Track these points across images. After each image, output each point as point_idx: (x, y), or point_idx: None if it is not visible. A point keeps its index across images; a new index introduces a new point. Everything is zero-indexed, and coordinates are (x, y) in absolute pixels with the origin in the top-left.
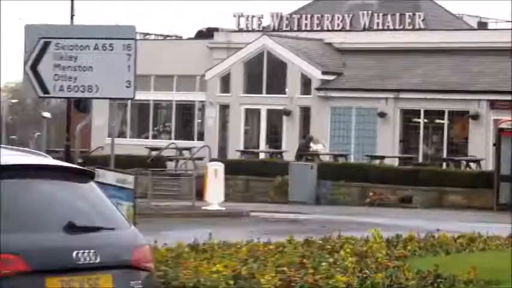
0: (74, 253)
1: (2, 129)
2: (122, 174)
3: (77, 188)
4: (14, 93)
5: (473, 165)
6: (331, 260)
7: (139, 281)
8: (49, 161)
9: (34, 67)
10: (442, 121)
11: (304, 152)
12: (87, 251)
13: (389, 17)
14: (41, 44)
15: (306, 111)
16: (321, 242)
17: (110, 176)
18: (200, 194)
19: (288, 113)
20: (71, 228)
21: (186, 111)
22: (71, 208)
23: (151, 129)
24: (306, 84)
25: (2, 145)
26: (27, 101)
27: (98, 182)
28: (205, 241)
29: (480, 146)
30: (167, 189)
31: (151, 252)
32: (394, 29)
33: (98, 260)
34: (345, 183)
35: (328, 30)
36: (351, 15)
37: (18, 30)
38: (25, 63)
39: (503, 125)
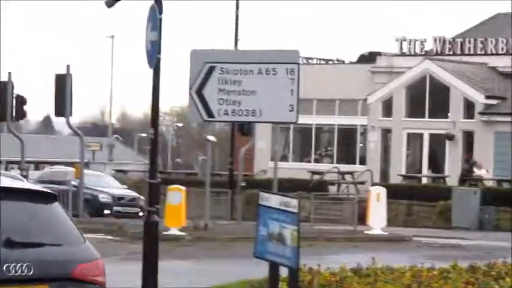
0: (5, 266)
1: (167, 152)
2: (285, 198)
3: (36, 208)
4: (179, 117)
5: None
6: (496, 286)
7: None
8: (19, 184)
9: (199, 91)
10: None
11: (467, 177)
12: (19, 264)
13: None
14: (206, 68)
15: (468, 136)
16: (485, 268)
17: (273, 200)
18: (362, 218)
19: (450, 137)
20: (9, 244)
21: (347, 135)
22: (17, 226)
23: (314, 153)
24: (468, 108)
25: None
26: (192, 125)
27: (262, 205)
28: (368, 265)
29: None
30: (329, 213)
31: (102, 267)
32: None
33: (31, 273)
34: (509, 209)
35: (492, 54)
36: None
37: (184, 56)
38: (190, 87)
39: None
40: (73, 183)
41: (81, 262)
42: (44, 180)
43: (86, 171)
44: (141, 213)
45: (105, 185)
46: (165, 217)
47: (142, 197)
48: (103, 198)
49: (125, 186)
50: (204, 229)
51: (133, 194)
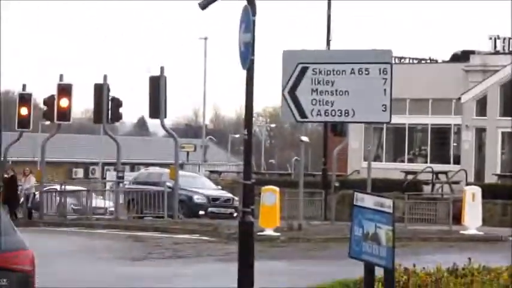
0: None
1: (261, 153)
2: (380, 198)
3: None
4: (272, 118)
5: None
6: None
7: (5, 279)
8: None
9: (292, 92)
10: None
11: None
12: None
13: None
14: (299, 69)
15: None
16: None
17: (368, 200)
18: (457, 218)
19: None
20: None
21: (441, 134)
22: None
23: (407, 153)
24: None
25: None
26: (285, 125)
27: (356, 206)
28: (465, 265)
29: None
30: (423, 213)
31: (31, 257)
32: None
33: None
34: None
35: None
36: None
37: (277, 56)
38: (283, 88)
39: None
40: (168, 184)
41: (5, 251)
42: (140, 181)
43: (180, 172)
44: (235, 214)
45: (200, 186)
46: (259, 218)
47: (236, 198)
48: (198, 199)
49: (219, 187)
50: (298, 229)
51: (227, 194)
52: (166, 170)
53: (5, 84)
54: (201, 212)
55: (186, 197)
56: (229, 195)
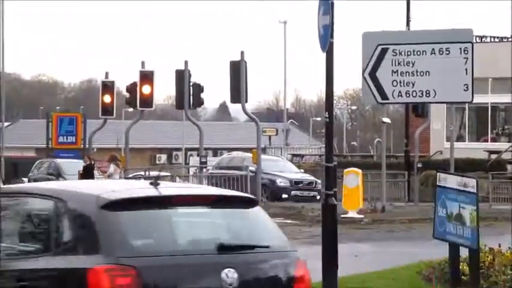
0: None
1: (342, 135)
2: (463, 178)
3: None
4: (353, 100)
5: None
6: None
7: None
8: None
9: (373, 74)
10: None
11: None
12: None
13: None
14: (378, 50)
15: None
16: None
17: (451, 180)
18: None
19: None
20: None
21: None
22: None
23: (490, 132)
24: None
25: None
26: (366, 108)
27: (440, 186)
28: None
29: None
30: (508, 192)
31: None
32: None
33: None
34: None
35: None
36: None
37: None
38: (363, 70)
39: None
40: (251, 168)
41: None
42: (222, 166)
43: (263, 156)
44: (318, 197)
45: (283, 169)
46: (342, 200)
47: (319, 181)
48: (281, 182)
49: (302, 170)
50: (381, 211)
51: (310, 178)
52: (249, 155)
53: (88, 73)
54: (284, 196)
55: (269, 181)
56: (312, 178)
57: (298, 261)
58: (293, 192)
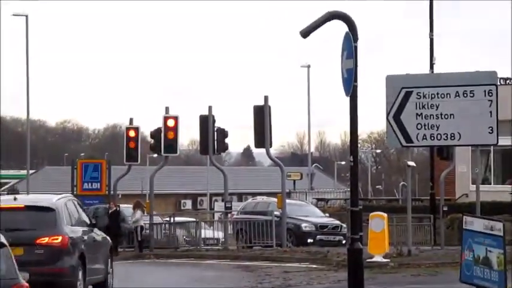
0: None
1: (367, 179)
2: (490, 221)
3: None
4: (377, 143)
5: None
6: None
7: None
8: None
9: (397, 117)
10: None
11: None
12: None
13: None
14: (402, 94)
15: None
16: None
17: (478, 223)
18: None
19: None
20: None
21: None
22: None
23: None
24: None
25: None
26: (390, 151)
27: (466, 230)
28: None
29: None
30: None
31: None
32: None
33: None
34: None
35: None
36: None
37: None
38: (388, 113)
39: None
40: (276, 213)
41: None
42: (247, 211)
43: (288, 200)
44: (344, 241)
45: (308, 213)
46: (368, 244)
47: (344, 225)
48: (306, 227)
49: (327, 215)
50: (407, 255)
51: (335, 222)
52: (274, 199)
53: (113, 119)
54: (310, 240)
55: (294, 225)
56: (337, 222)
57: None
58: (318, 237)
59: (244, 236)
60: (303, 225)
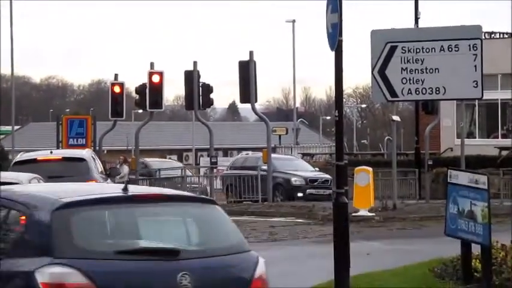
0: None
1: (353, 134)
2: (474, 175)
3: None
4: (363, 98)
5: None
6: None
7: None
8: None
9: (382, 72)
10: None
11: None
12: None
13: None
14: (387, 48)
15: None
16: None
17: (462, 177)
18: None
19: None
20: None
21: None
22: None
23: (500, 128)
24: None
25: None
26: (376, 105)
27: (451, 183)
28: None
29: None
30: None
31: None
32: None
33: None
34: None
35: None
36: None
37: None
38: (373, 68)
39: None
40: (263, 167)
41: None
42: (237, 166)
43: (277, 155)
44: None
45: (297, 168)
46: (353, 198)
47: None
48: (295, 181)
49: (317, 169)
50: (392, 209)
51: (325, 176)
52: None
53: (97, 74)
54: (299, 194)
55: (283, 180)
56: (328, 176)
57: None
58: (308, 191)
59: (233, 191)
60: (293, 179)
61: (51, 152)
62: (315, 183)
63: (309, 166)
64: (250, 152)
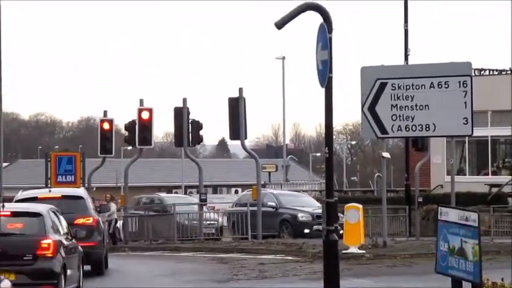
0: None
1: (342, 170)
2: (465, 212)
3: None
4: (352, 135)
5: None
6: None
7: None
8: None
9: (372, 108)
10: None
11: None
12: None
13: None
14: (377, 85)
15: None
16: None
17: (452, 214)
18: None
19: None
20: None
21: None
22: None
23: (491, 166)
24: None
25: None
26: (365, 142)
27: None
28: None
29: None
30: (509, 225)
31: None
32: None
33: None
34: None
35: None
36: None
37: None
38: (363, 104)
39: None
40: (270, 203)
41: None
42: (241, 203)
43: (284, 191)
44: (341, 231)
45: (304, 204)
46: (343, 236)
47: (342, 215)
48: (302, 217)
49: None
50: (383, 246)
51: None
52: (269, 190)
53: (87, 111)
54: (306, 231)
55: (290, 216)
56: None
57: None
58: (315, 227)
59: (239, 227)
60: (300, 215)
61: (49, 191)
62: (322, 219)
63: (316, 202)
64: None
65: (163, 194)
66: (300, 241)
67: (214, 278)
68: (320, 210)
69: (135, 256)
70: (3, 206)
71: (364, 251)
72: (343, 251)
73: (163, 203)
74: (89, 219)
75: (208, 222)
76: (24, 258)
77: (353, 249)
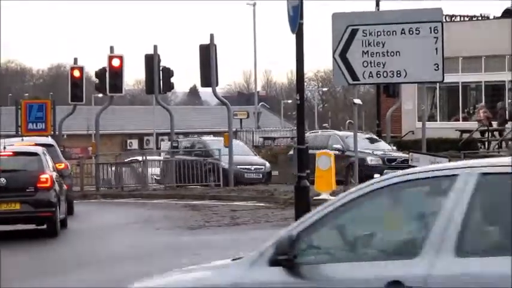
0: None
1: (314, 117)
2: (436, 158)
3: None
4: (324, 82)
5: None
6: None
7: None
8: None
9: (343, 55)
10: None
11: None
12: None
13: None
14: (348, 31)
15: None
16: None
17: (424, 160)
18: None
19: None
20: None
21: (495, 91)
22: None
23: (461, 112)
24: None
25: None
26: (337, 89)
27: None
28: None
29: None
30: None
31: None
32: None
33: None
34: None
35: None
36: None
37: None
38: (334, 51)
39: None
40: (336, 146)
41: None
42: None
43: (350, 133)
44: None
45: (375, 148)
46: (315, 182)
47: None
48: (372, 160)
49: (394, 148)
50: None
51: (404, 155)
52: (336, 132)
53: (57, 58)
54: (376, 175)
55: (359, 159)
56: (406, 155)
57: None
58: (386, 171)
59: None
60: (369, 158)
61: (22, 139)
62: (393, 163)
63: (388, 145)
64: (320, 131)
65: (205, 137)
66: (271, 187)
67: (186, 225)
68: (392, 154)
69: (107, 203)
70: (4, 147)
71: (335, 198)
72: (315, 198)
73: (206, 148)
74: (61, 165)
75: (255, 167)
76: (27, 190)
77: (324, 196)
